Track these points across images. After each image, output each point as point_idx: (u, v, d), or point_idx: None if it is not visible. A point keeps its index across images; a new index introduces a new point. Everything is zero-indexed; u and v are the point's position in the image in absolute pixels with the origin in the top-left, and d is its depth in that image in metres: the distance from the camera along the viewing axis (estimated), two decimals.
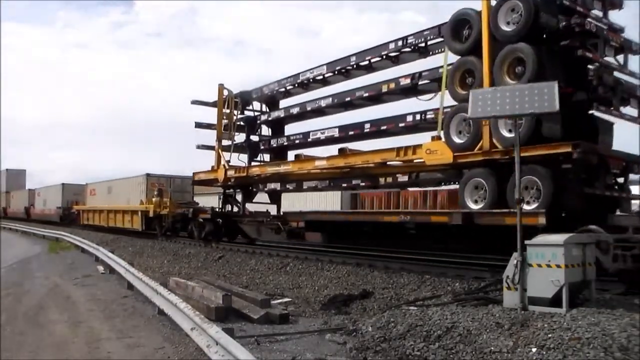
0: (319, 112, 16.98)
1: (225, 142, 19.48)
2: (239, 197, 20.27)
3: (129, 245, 22.83)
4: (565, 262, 6.74)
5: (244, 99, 19.25)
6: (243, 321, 8.43)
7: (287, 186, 17.85)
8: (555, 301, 6.71)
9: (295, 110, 17.60)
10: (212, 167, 19.55)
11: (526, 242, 7.20)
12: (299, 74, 16.94)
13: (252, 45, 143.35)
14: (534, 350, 5.68)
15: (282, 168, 16.24)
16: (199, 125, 20.24)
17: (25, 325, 8.78)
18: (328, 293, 10.97)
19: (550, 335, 5.80)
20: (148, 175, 25.93)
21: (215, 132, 19.61)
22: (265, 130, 19.74)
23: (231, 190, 20.38)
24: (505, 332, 6.23)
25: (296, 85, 17.36)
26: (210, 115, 20.16)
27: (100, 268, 15.54)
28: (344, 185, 16.93)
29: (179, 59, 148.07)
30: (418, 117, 13.03)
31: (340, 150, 14.93)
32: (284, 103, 19.08)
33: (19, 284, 13.36)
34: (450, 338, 6.43)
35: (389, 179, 14.65)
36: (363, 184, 15.89)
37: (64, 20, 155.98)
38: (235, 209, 20.34)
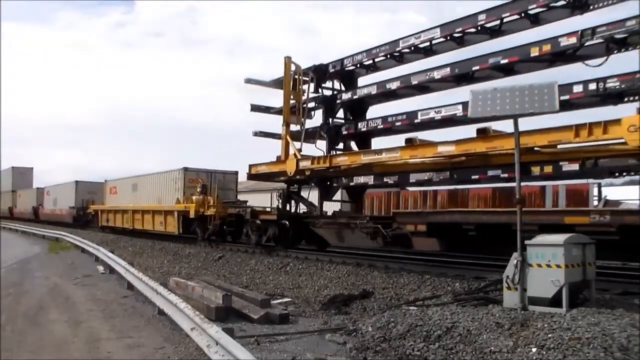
0: (424, 88, 13.82)
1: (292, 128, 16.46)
2: (304, 194, 17.18)
3: (129, 245, 22.84)
4: (565, 262, 6.75)
5: (318, 75, 16.00)
6: (243, 321, 8.43)
7: (386, 180, 13.75)
8: (555, 301, 6.71)
9: (394, 85, 14.01)
10: (278, 157, 16.51)
11: (526, 242, 7.21)
12: (397, 40, 13.87)
13: (253, 45, 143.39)
14: (534, 350, 5.68)
15: (386, 156, 12.78)
16: (256, 108, 17.81)
17: (25, 325, 8.78)
18: (328, 293, 10.97)
19: (550, 335, 5.80)
20: (186, 169, 22.23)
21: (274, 116, 17.42)
22: (337, 114, 16.61)
23: (295, 186, 17.01)
24: (505, 332, 6.23)
25: (391, 55, 14.24)
26: (259, 97, 18.69)
27: (100, 268, 15.54)
28: (474, 177, 11.84)
29: (179, 58, 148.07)
30: (593, 86, 9.99)
31: (407, 140, 12.53)
32: (364, 81, 15.99)
33: (19, 284, 13.35)
34: (450, 338, 6.43)
35: (547, 168, 10.39)
36: (506, 175, 11.06)
37: (65, 20, 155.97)
38: (297, 209, 17.27)
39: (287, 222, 16.21)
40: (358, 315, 8.98)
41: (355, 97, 15.39)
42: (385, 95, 14.75)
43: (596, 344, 5.42)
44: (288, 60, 16.16)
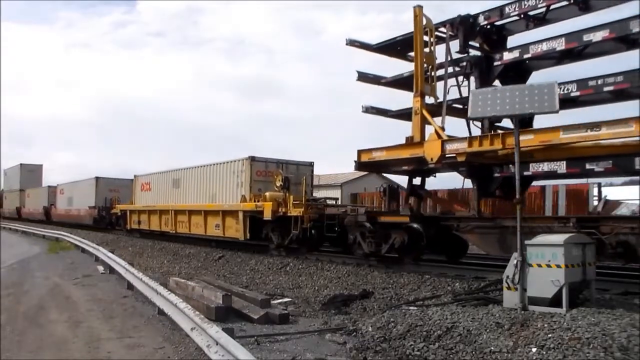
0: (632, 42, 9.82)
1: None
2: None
3: (129, 245, 22.87)
4: (565, 262, 6.75)
5: (465, 29, 12.07)
6: (243, 321, 8.43)
7: (591, 167, 9.67)
8: (555, 301, 6.72)
9: (597, 37, 9.91)
10: (408, 138, 12.43)
11: (526, 242, 7.21)
12: None
13: (253, 45, 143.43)
14: (534, 350, 5.68)
15: (608, 132, 8.79)
16: (363, 76, 14.30)
17: (25, 325, 8.77)
18: (328, 293, 10.98)
19: (550, 335, 5.80)
20: (253, 159, 17.68)
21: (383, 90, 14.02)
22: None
23: (417, 177, 13.56)
24: (505, 332, 6.24)
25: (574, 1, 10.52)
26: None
27: (100, 268, 15.54)
28: None
29: (180, 58, 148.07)
30: None
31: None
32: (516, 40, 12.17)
33: (19, 284, 13.34)
34: (450, 338, 6.43)
35: None
36: None
37: (65, 20, 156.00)
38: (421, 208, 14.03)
39: (419, 226, 12.26)
40: (358, 315, 8.99)
41: (526, 56, 11.29)
42: (569, 54, 10.94)
43: (596, 344, 5.42)
44: (419, 10, 12.22)
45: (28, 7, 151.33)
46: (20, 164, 53.00)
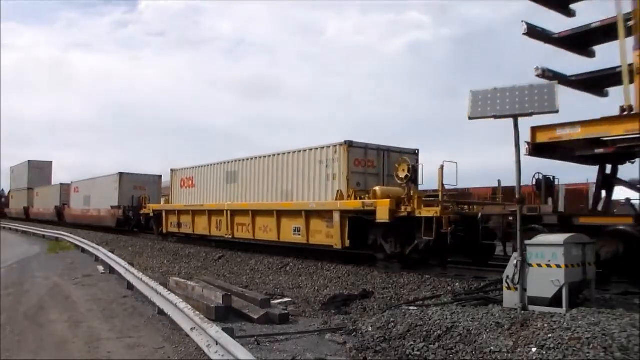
0: None
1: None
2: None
3: (129, 245, 22.86)
4: (565, 262, 6.75)
5: None
6: (243, 321, 8.43)
7: None
8: (555, 301, 6.72)
9: None
10: (625, 108, 9.53)
11: (526, 242, 7.21)
12: None
13: (255, 45, 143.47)
14: (534, 350, 5.68)
15: None
16: (533, 31, 11.42)
17: (25, 325, 8.77)
18: (328, 293, 10.98)
19: (550, 335, 5.80)
20: (350, 144, 14.03)
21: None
22: None
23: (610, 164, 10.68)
24: (505, 332, 6.24)
25: None
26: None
27: (100, 268, 15.54)
28: None
29: (181, 58, 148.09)
30: None
31: None
32: None
33: (19, 284, 13.34)
34: (450, 338, 6.43)
35: None
36: None
37: (66, 20, 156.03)
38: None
39: None
40: (358, 315, 8.99)
41: None
42: None
43: (596, 344, 5.43)
44: None
45: (29, 7, 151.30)
46: (29, 161, 49.39)
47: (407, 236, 12.23)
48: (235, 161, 18.76)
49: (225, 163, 19.41)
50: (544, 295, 6.82)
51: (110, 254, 15.47)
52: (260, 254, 16.35)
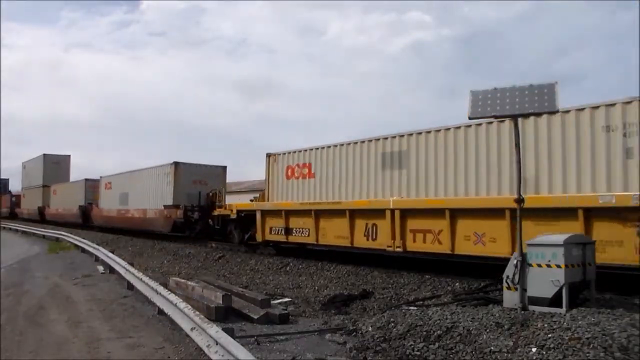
0: None
1: None
2: None
3: (129, 246, 22.83)
4: (565, 262, 6.76)
5: None
6: (243, 321, 8.43)
7: None
8: (555, 301, 6.72)
9: None
10: None
11: (526, 242, 7.21)
12: None
13: (256, 45, 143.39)
14: (534, 350, 5.68)
15: None
16: None
17: (25, 325, 8.77)
18: (328, 293, 10.98)
19: (550, 335, 5.80)
20: None
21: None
22: None
23: None
24: (505, 332, 6.24)
25: None
26: None
27: (100, 268, 15.54)
28: None
29: (182, 58, 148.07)
30: None
31: None
32: None
33: (19, 284, 13.34)
34: (450, 338, 6.43)
35: None
36: None
37: (67, 19, 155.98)
38: None
39: None
40: (358, 315, 8.98)
41: None
42: None
43: (596, 344, 5.42)
44: None
45: (29, 7, 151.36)
46: (44, 155, 43.61)
47: None
48: (401, 136, 12.91)
49: (378, 140, 13.44)
50: (544, 295, 6.83)
51: (110, 254, 15.47)
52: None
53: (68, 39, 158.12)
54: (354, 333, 7.48)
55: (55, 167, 43.03)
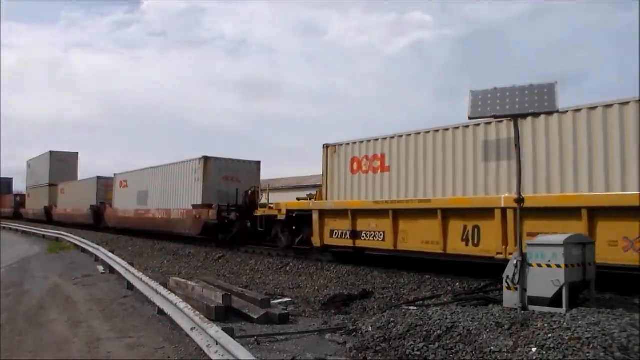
0: None
1: None
2: None
3: (129, 245, 22.84)
4: (565, 262, 6.76)
5: None
6: (243, 321, 8.43)
7: None
8: (555, 301, 6.72)
9: None
10: None
11: (526, 242, 7.21)
12: None
13: (256, 45, 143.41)
14: (534, 350, 5.68)
15: None
16: None
17: (25, 325, 8.77)
18: (328, 293, 10.98)
19: (550, 335, 5.80)
20: None
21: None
22: None
23: None
24: (505, 332, 6.24)
25: None
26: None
27: (100, 268, 15.54)
28: None
29: (183, 58, 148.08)
30: None
31: None
32: None
33: (19, 284, 13.34)
34: (450, 338, 6.43)
35: None
36: None
37: (68, 19, 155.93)
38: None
39: None
40: (358, 315, 8.98)
41: None
42: None
43: (596, 344, 5.42)
44: None
45: (30, 7, 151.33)
46: (50, 152, 41.45)
47: None
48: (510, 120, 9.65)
49: (475, 126, 11.14)
50: (544, 295, 6.83)
51: (110, 254, 15.47)
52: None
53: (68, 39, 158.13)
54: (354, 333, 7.48)
55: (62, 165, 41.05)
